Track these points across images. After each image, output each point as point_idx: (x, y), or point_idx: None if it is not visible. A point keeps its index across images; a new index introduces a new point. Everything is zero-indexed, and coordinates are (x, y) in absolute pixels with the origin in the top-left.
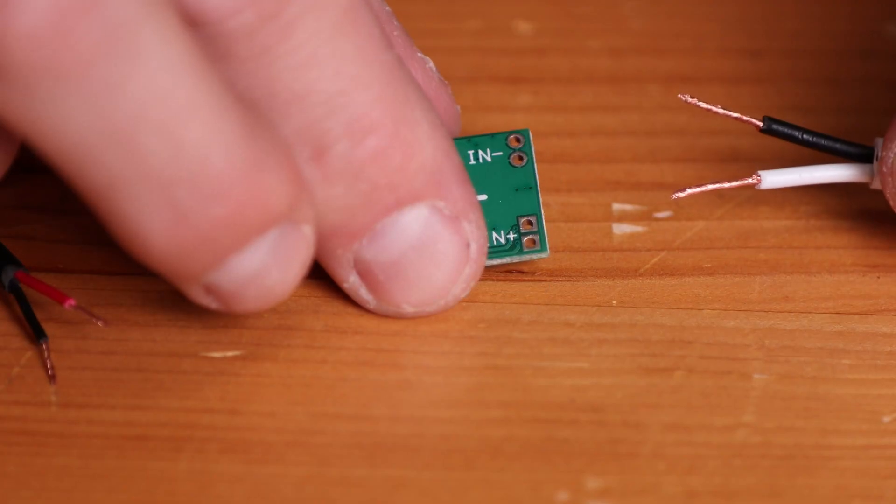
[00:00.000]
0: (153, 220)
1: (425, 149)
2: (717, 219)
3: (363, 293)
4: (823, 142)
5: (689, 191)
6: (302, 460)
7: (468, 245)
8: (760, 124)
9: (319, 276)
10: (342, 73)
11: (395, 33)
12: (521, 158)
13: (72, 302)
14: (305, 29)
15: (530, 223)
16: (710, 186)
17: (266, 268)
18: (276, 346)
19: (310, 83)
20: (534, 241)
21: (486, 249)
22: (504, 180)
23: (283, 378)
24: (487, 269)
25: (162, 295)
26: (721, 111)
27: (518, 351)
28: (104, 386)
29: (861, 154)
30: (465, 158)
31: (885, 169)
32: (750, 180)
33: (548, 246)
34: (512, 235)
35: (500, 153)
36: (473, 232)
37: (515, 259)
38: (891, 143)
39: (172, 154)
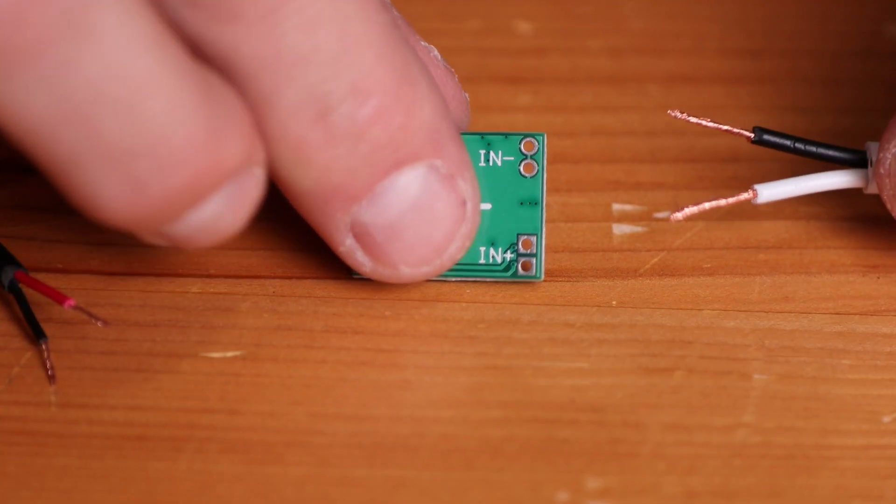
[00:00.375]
0: (112, 192)
1: (424, 108)
2: (717, 219)
3: (359, 256)
4: (816, 149)
5: (686, 211)
6: (302, 460)
7: (464, 203)
8: (752, 135)
9: (319, 275)
10: (347, 34)
11: (397, 22)
12: (531, 167)
13: (71, 302)
14: None
15: (530, 243)
16: (707, 205)
17: (220, 215)
18: (276, 346)
19: (316, 43)
20: (529, 265)
21: (479, 208)
22: (510, 190)
23: (283, 378)
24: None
25: (162, 295)
26: (711, 125)
27: (518, 351)
28: (104, 386)
29: (855, 160)
30: (476, 158)
31: (882, 171)
32: (746, 195)
33: (543, 272)
34: (509, 255)
35: (512, 158)
36: (468, 190)
37: (507, 281)
38: (888, 145)
39: (131, 130)
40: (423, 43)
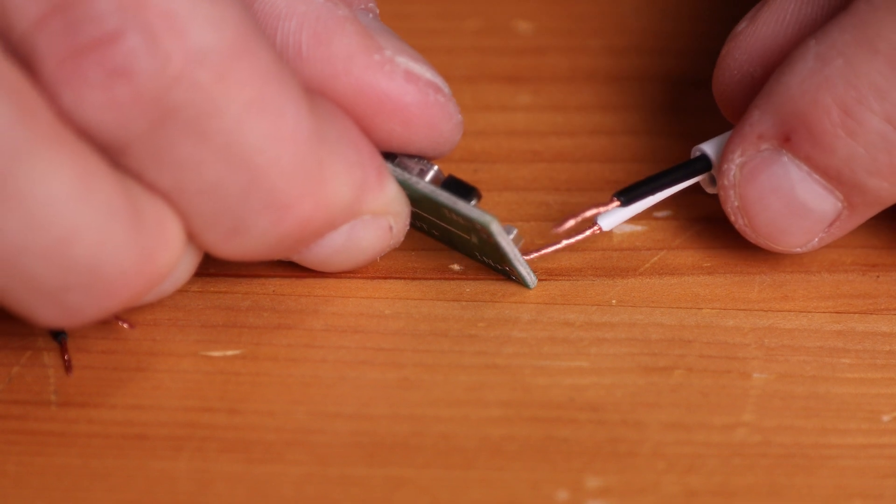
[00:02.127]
0: (46, 315)
1: (343, 196)
2: (717, 218)
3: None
4: (669, 178)
5: (542, 251)
6: (301, 459)
7: (391, 228)
8: (619, 202)
9: (319, 275)
10: (252, 161)
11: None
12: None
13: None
14: (204, 128)
15: (510, 270)
16: (562, 244)
17: (161, 293)
18: (276, 346)
19: (217, 176)
20: (519, 277)
21: (407, 221)
22: (484, 238)
23: (283, 377)
24: (486, 268)
25: None
26: (563, 244)
27: (517, 350)
28: (104, 386)
29: (701, 167)
30: (441, 212)
31: (726, 182)
32: (592, 230)
33: (531, 283)
34: (500, 267)
35: (474, 235)
36: (393, 218)
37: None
38: (732, 156)
39: (61, 272)
40: (378, 56)
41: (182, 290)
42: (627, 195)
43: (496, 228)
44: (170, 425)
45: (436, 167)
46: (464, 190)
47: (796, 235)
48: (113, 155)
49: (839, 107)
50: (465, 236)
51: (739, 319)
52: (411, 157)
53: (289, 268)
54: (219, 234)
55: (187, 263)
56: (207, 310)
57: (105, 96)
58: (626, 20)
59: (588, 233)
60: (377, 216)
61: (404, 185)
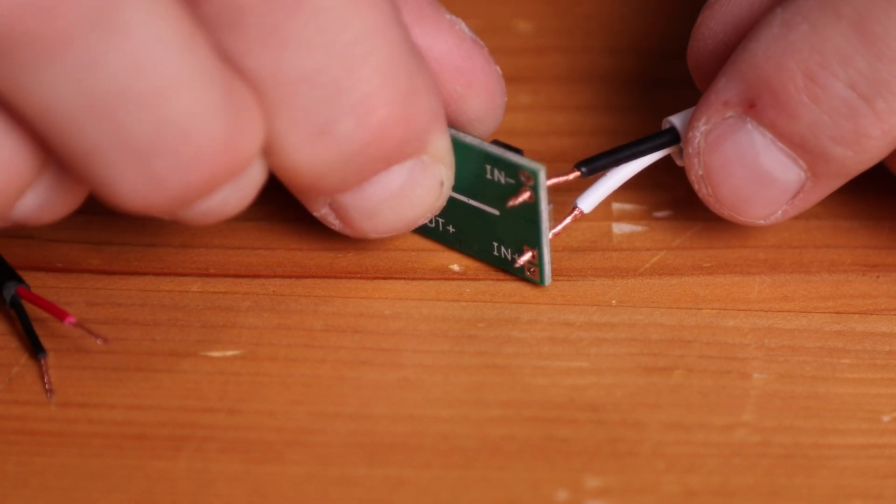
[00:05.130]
0: (130, 185)
1: (422, 117)
2: (717, 218)
3: (331, 220)
4: (636, 149)
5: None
6: (301, 459)
7: (442, 184)
8: (580, 173)
9: (319, 275)
10: (351, 54)
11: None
12: (530, 196)
13: (72, 319)
14: (315, 5)
15: (533, 255)
16: (550, 234)
17: (227, 201)
18: (275, 346)
19: (318, 62)
20: (535, 272)
21: (453, 181)
22: (509, 210)
23: (283, 377)
24: (488, 267)
25: (162, 294)
26: (550, 234)
27: (517, 350)
28: (104, 385)
29: (671, 140)
30: (482, 171)
31: (690, 150)
32: (573, 214)
33: (546, 279)
34: (518, 258)
35: (513, 181)
36: (445, 171)
37: (516, 275)
38: (697, 123)
39: (154, 128)
40: (448, 16)
41: (182, 290)
42: (589, 165)
43: (543, 177)
44: (169, 425)
45: None
46: (510, 149)
47: (760, 206)
48: (219, 30)
49: (803, 72)
50: (492, 210)
51: (739, 320)
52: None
53: (289, 268)
54: (303, 133)
55: (258, 173)
56: (207, 310)
57: None
58: (626, 20)
59: (570, 218)
60: (434, 163)
61: (452, 138)
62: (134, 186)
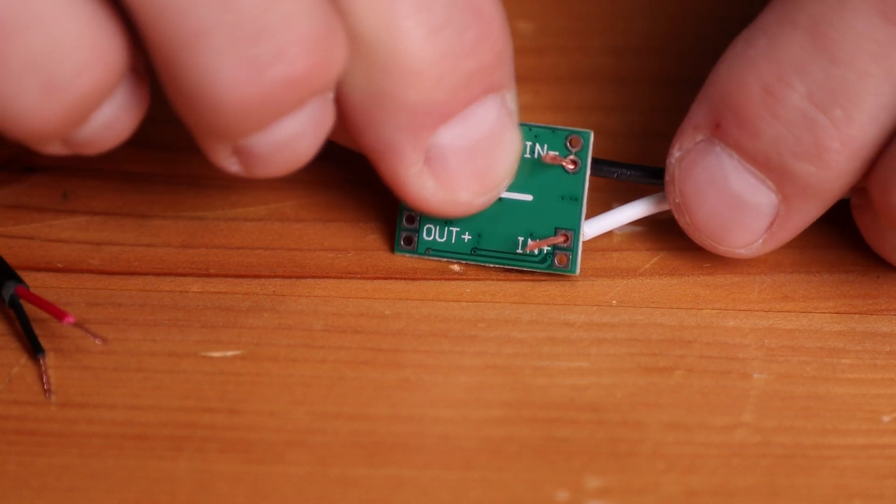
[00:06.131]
0: (229, 72)
1: (506, 41)
2: None
3: (426, 180)
4: (633, 172)
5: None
6: (302, 460)
7: (521, 140)
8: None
9: (319, 275)
10: None
11: None
12: (574, 163)
13: (70, 319)
14: None
15: (566, 238)
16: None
17: (303, 133)
18: (276, 346)
19: None
20: (566, 259)
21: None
22: (552, 184)
23: (283, 378)
24: (495, 268)
25: (162, 295)
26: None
27: (518, 350)
28: (104, 385)
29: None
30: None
31: (667, 179)
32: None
33: (578, 267)
34: (546, 247)
35: (556, 153)
36: (520, 129)
37: (543, 272)
38: (672, 150)
39: (263, 9)
40: None
41: (182, 290)
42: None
43: (591, 142)
44: (170, 425)
45: None
46: None
47: (737, 233)
48: None
49: (761, 86)
50: (525, 197)
51: (739, 320)
52: None
53: (289, 268)
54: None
55: (330, 109)
56: (207, 310)
57: None
58: (626, 20)
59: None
60: (512, 116)
61: None
62: (234, 72)
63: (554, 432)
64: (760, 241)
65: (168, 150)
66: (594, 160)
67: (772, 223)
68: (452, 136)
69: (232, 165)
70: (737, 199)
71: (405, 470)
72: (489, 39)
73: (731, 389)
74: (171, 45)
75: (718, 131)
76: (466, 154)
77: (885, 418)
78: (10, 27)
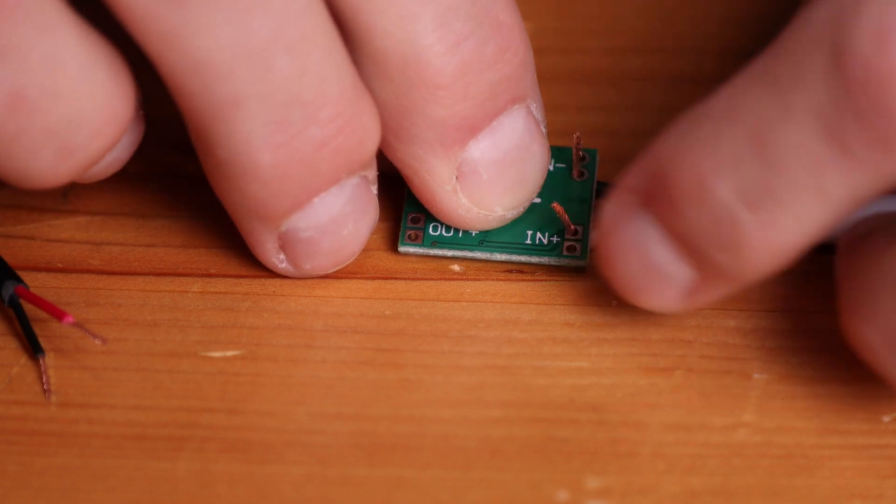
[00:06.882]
0: (264, 137)
1: (527, 50)
2: None
3: (459, 196)
4: None
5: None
6: (302, 460)
7: (548, 150)
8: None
9: (319, 275)
10: None
11: None
12: (582, 174)
13: (70, 319)
14: None
15: (576, 231)
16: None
17: (344, 215)
18: (276, 346)
19: None
20: (574, 248)
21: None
22: (561, 190)
23: (283, 378)
24: (494, 266)
25: (162, 295)
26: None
27: (518, 350)
28: (104, 385)
29: None
30: None
31: (596, 233)
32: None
33: (588, 254)
34: (555, 238)
35: (564, 165)
36: (546, 138)
37: (553, 262)
38: (607, 205)
39: (297, 75)
40: None
41: (182, 290)
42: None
43: (596, 159)
44: (170, 425)
45: None
46: None
47: (654, 296)
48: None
49: (695, 174)
50: (533, 200)
51: (740, 320)
52: None
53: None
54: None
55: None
56: (207, 310)
57: None
58: (626, 20)
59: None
60: (540, 124)
61: None
62: (270, 138)
63: (554, 432)
64: (676, 306)
65: (168, 150)
66: (599, 184)
67: (692, 294)
68: (482, 149)
69: (280, 263)
70: (655, 266)
71: (405, 470)
72: (511, 50)
73: (732, 389)
74: (207, 113)
75: (649, 201)
76: (497, 167)
77: (885, 418)
78: (35, 104)
